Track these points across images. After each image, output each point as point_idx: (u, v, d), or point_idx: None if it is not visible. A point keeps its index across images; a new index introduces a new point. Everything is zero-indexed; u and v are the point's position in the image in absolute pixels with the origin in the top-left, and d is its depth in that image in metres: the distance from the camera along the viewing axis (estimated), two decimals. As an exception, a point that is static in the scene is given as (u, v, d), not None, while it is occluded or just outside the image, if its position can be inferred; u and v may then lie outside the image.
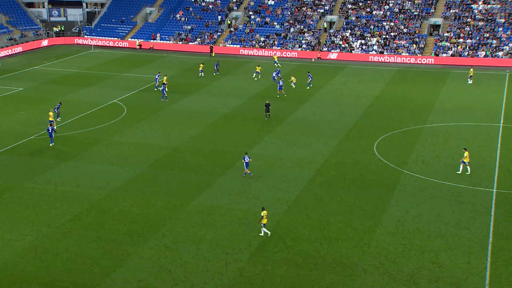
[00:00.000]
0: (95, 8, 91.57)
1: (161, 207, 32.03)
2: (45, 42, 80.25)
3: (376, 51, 74.09)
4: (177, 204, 32.27)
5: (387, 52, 73.71)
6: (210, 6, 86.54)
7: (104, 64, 68.71)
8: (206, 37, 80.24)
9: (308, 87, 58.78)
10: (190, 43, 79.85)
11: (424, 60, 71.39)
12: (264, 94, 56.48)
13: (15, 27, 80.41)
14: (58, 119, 46.44)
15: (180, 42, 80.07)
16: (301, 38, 77.81)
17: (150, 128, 45.51)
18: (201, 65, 64.54)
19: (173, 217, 30.81)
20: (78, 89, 56.69)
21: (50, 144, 41.07)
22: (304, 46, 76.64)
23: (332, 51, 75.23)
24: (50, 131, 41.00)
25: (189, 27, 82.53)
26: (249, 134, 44.46)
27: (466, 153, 36.54)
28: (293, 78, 58.16)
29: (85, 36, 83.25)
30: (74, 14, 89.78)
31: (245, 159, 35.82)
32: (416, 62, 71.52)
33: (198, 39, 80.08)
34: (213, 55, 75.78)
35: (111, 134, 43.80)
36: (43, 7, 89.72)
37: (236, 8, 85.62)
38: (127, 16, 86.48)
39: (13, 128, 44.50)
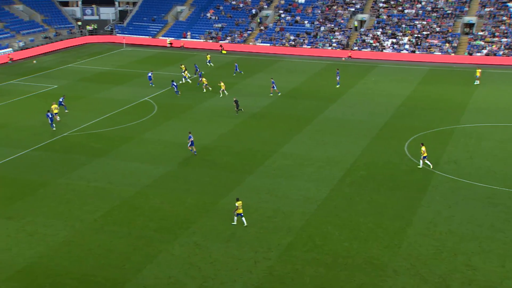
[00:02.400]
0: (127, 6, 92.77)
1: (191, 204, 32.26)
2: (78, 41, 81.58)
3: (407, 50, 73.17)
4: (207, 202, 32.45)
5: (419, 51, 72.73)
6: (241, 4, 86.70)
7: (135, 62, 69.49)
8: (236, 35, 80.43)
9: (337, 86, 58.42)
10: (220, 41, 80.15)
11: (457, 60, 70.21)
12: (294, 93, 56.37)
13: (50, 25, 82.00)
14: (66, 111, 47.93)
15: (211, 41, 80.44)
16: (331, 37, 77.36)
17: (180, 126, 45.85)
18: (208, 56, 67.38)
19: (203, 215, 31.00)
20: (110, 87, 57.49)
21: (53, 129, 43.96)
22: (334, 45, 76.17)
23: (362, 50, 74.59)
24: (50, 117, 43.92)
25: (220, 25, 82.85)
26: (278, 133, 44.42)
27: (423, 148, 37.14)
28: (222, 84, 55.01)
29: (117, 35, 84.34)
30: (107, 13, 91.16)
31: (190, 137, 38.68)
32: (449, 61, 70.39)
33: (228, 38, 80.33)
34: (224, 53, 76.09)
35: (141, 131, 44.28)
36: (77, 6, 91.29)
37: (266, 6, 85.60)
38: (158, 14, 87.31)
39: (47, 125, 45.34)
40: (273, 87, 55.20)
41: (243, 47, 78.37)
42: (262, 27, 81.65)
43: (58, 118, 45.89)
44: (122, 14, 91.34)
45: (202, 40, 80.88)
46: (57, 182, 34.88)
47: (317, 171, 37.03)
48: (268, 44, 78.27)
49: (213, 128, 45.38)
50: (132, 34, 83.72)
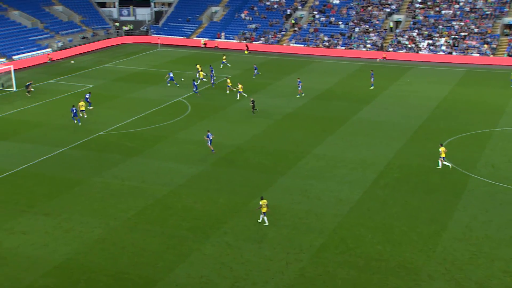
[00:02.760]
0: (162, 7, 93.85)
1: (223, 204, 32.40)
2: (115, 41, 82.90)
3: (444, 52, 71.93)
4: (239, 202, 32.53)
5: (456, 52, 71.41)
6: (275, 5, 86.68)
7: (170, 62, 70.18)
8: (270, 36, 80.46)
9: (372, 87, 57.85)
10: (254, 42, 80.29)
11: (496, 61, 68.66)
12: (327, 94, 56.07)
13: (88, 26, 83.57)
14: (90, 108, 49.02)
15: (244, 41, 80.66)
16: (366, 38, 76.65)
17: (213, 126, 46.07)
18: (224, 57, 67.40)
19: (235, 215, 31.09)
20: (144, 87, 58.20)
21: (78, 123, 45.42)
22: (368, 46, 75.44)
23: (398, 51, 73.65)
24: (74, 112, 45.32)
25: (253, 26, 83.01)
26: (311, 134, 44.23)
27: (442, 149, 36.82)
28: (240, 86, 54.21)
29: (153, 35, 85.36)
30: (143, 14, 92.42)
31: (209, 136, 39.24)
32: (487, 63, 68.89)
33: (262, 38, 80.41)
34: (246, 53, 76.23)
35: (175, 131, 44.69)
36: (114, 6, 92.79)
37: (300, 7, 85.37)
38: (193, 15, 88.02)
39: (83, 124, 46.21)
40: (299, 87, 54.90)
41: (276, 48, 78.33)
42: (296, 28, 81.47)
43: (85, 115, 47.11)
44: (158, 15, 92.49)
45: (236, 41, 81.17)
46: (92, 180, 35.50)
47: (350, 173, 36.73)
48: (302, 45, 78.05)
49: (246, 129, 45.48)
50: (167, 35, 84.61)
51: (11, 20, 75.18)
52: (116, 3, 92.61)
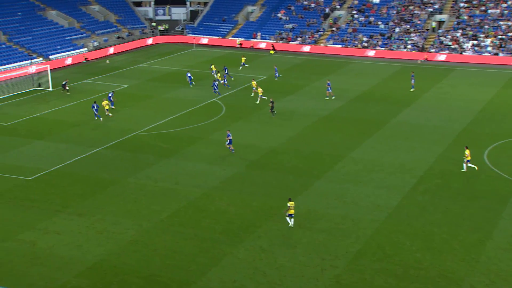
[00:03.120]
0: (198, 6, 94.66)
1: (257, 208, 32.41)
2: (150, 41, 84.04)
3: (490, 53, 70.37)
4: (273, 206, 32.49)
5: (502, 53, 69.77)
6: (313, 4, 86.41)
7: (205, 62, 70.71)
8: (307, 36, 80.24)
9: (412, 89, 57.05)
10: (291, 42, 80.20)
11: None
12: (366, 96, 55.55)
13: (123, 26, 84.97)
14: (112, 107, 50.05)
15: (281, 41, 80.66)
16: (406, 39, 75.65)
17: (248, 128, 46.21)
18: (243, 58, 67.17)
19: (269, 219, 31.06)
20: (179, 87, 58.77)
21: (99, 119, 47.14)
22: (409, 47, 74.43)
23: (440, 52, 72.44)
24: (95, 108, 47.10)
25: (290, 26, 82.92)
26: (348, 137, 43.88)
27: (467, 151, 36.37)
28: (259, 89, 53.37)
29: (188, 35, 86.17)
30: (178, 13, 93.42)
31: (229, 136, 39.73)
32: (535, 64, 67.17)
33: (299, 39, 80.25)
34: (272, 53, 76.19)
35: (209, 132, 44.97)
36: (150, 6, 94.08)
37: (339, 6, 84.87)
38: (229, 15, 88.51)
39: (118, 124, 46.97)
40: (328, 89, 54.41)
41: (314, 49, 78.07)
42: (334, 28, 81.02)
43: (109, 114, 48.22)
44: (193, 14, 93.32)
45: (272, 41, 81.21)
46: (126, 181, 36.02)
47: (388, 178, 36.27)
48: (340, 46, 77.56)
49: (282, 131, 45.43)
50: (202, 34, 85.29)
51: (49, 20, 77.03)
52: (152, 3, 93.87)
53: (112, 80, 61.57)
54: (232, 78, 59.44)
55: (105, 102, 48.71)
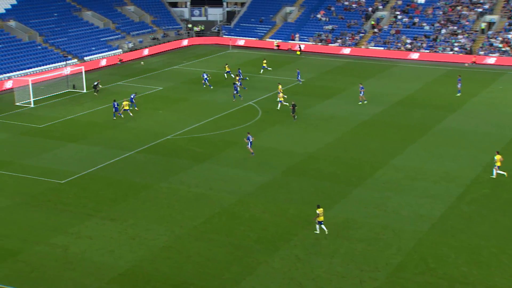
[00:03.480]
0: (235, 7, 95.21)
1: (293, 215, 32.33)
2: (185, 42, 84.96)
3: (542, 55, 68.64)
4: (310, 214, 32.34)
5: (556, 56, 67.97)
6: (354, 5, 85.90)
7: (241, 64, 71.00)
8: (347, 38, 79.78)
9: (458, 94, 56.08)
10: (330, 44, 79.88)
11: None
12: (409, 101, 54.86)
13: (158, 26, 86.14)
14: (136, 109, 51.06)
15: (320, 43, 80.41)
16: (453, 41, 74.41)
17: (285, 133, 46.18)
18: (264, 61, 66.81)
19: (306, 227, 30.94)
20: (214, 90, 59.12)
21: (120, 116, 48.99)
22: (456, 49, 73.18)
23: (489, 55, 70.99)
24: (115, 107, 48.86)
25: (330, 27, 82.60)
26: (390, 143, 43.38)
27: (497, 157, 35.83)
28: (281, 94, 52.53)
29: (224, 36, 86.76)
30: (215, 14, 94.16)
31: (249, 138, 40.30)
32: None
33: (339, 41, 79.85)
34: (298, 54, 76.21)
35: (245, 137, 45.01)
36: (186, 6, 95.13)
37: (381, 7, 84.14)
38: (266, 15, 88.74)
39: (151, 127, 47.58)
40: (361, 93, 53.84)
41: (354, 51, 77.57)
42: (376, 30, 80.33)
43: (130, 114, 49.33)
44: (230, 15, 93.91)
45: (311, 43, 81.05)
46: (159, 185, 36.42)
47: (431, 187, 35.70)
48: (382, 48, 76.86)
49: (320, 136, 45.24)
50: (239, 36, 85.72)
51: (84, 21, 78.66)
52: (188, 3, 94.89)
53: (146, 82, 62.41)
54: (247, 78, 59.34)
55: (125, 102, 49.95)
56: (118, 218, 32.12)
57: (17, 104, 53.91)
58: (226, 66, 64.86)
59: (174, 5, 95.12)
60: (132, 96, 52.24)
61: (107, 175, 38.07)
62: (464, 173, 37.52)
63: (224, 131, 46.64)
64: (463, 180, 36.53)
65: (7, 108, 52.70)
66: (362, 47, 78.23)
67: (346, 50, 77.91)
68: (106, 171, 38.64)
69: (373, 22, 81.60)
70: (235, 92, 54.95)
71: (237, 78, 60.00)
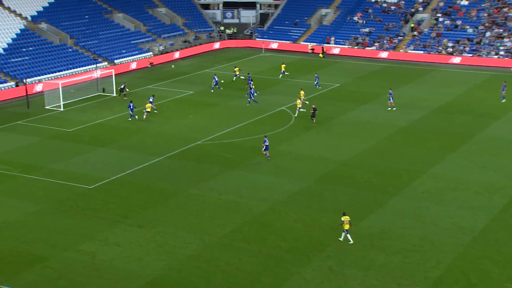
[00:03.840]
0: (268, 9, 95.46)
1: (326, 225, 32.18)
2: (217, 45, 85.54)
3: None
4: (344, 224, 32.17)
5: None
6: (392, 7, 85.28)
7: (274, 68, 71.16)
8: (385, 41, 79.21)
9: (503, 100, 55.09)
10: (367, 48, 79.41)
11: None
12: (449, 107, 54.14)
13: (190, 29, 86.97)
14: (155, 112, 52.01)
15: (356, 47, 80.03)
16: (498, 44, 73.15)
17: (318, 139, 46.04)
18: (283, 65, 66.58)
19: (339, 237, 30.72)
20: (244, 94, 59.27)
21: (134, 118, 50.67)
22: (501, 53, 71.90)
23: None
24: (131, 108, 50.61)
25: (367, 30, 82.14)
26: (429, 151, 42.87)
27: None
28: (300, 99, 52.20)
29: (257, 39, 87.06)
30: (247, 16, 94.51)
31: (266, 142, 41.05)
32: None
33: (376, 44, 79.33)
34: (321, 56, 76.22)
35: (277, 143, 45.12)
36: (218, 8, 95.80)
37: (422, 9, 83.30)
38: (301, 18, 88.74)
39: (181, 132, 48.00)
40: (390, 99, 53.27)
41: (392, 55, 76.95)
42: (415, 33, 79.55)
43: (144, 117, 50.79)
44: (263, 17, 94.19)
45: (346, 46, 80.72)
46: (188, 192, 36.68)
47: (473, 197, 35.11)
48: (422, 52, 76.05)
49: (355, 143, 44.97)
50: (272, 39, 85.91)
51: (115, 23, 79.95)
52: (221, 5, 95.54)
53: (177, 86, 62.98)
54: (257, 92, 58.79)
55: (148, 105, 51.21)
56: (146, 225, 32.46)
57: (47, 107, 55.05)
58: (236, 69, 65.24)
59: (206, 7, 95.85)
60: (150, 100, 53.02)
61: (136, 180, 38.53)
62: (508, 184, 36.80)
63: (255, 136, 46.73)
64: (508, 191, 35.84)
65: (37, 112, 53.87)
66: (401, 50, 77.52)
67: (384, 54, 77.33)
68: (135, 177, 39.12)
69: (412, 25, 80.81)
70: (251, 97, 54.92)
71: (247, 82, 60.05)
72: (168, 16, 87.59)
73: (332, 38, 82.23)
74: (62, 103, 55.09)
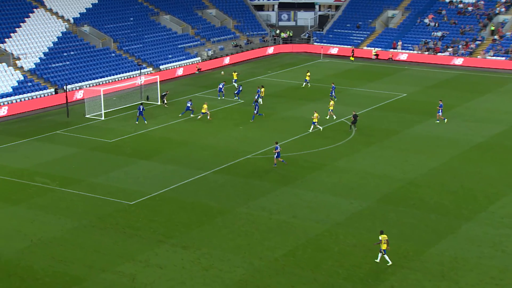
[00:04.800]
0: (328, 11, 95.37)
1: (390, 251, 31.67)
2: (271, 50, 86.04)
3: None
4: (410, 250, 31.66)
5: None
6: (470, 8, 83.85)
7: (333, 76, 70.96)
8: (460, 46, 77.90)
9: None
10: (439, 53, 78.25)
11: None
12: (533, 121, 52.73)
13: (242, 32, 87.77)
14: (192, 116, 54.76)
15: (427, 53, 78.99)
16: None
17: (381, 155, 45.56)
18: (308, 73, 66.29)
19: (404, 265, 30.27)
20: (301, 104, 59.31)
21: (142, 121, 53.49)
22: None
23: None
24: (140, 110, 53.50)
25: (440, 34, 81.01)
26: (509, 171, 41.79)
27: None
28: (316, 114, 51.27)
29: (315, 43, 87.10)
30: (305, 18, 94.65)
31: (277, 148, 42.66)
32: None
33: (449, 49, 78.08)
34: (352, 60, 75.96)
35: (336, 158, 44.87)
36: (273, 10, 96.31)
37: (504, 10, 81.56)
38: (364, 20, 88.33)
39: (230, 145, 48.35)
40: (439, 112, 52.21)
41: (468, 61, 75.63)
42: (495, 37, 77.95)
43: (198, 116, 53.83)
44: (322, 20, 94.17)
45: (415, 52, 79.79)
46: (236, 210, 36.85)
47: (561, 225, 33.98)
48: (503, 58, 74.45)
49: (423, 160, 44.30)
50: (332, 43, 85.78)
51: (161, 26, 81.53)
52: (275, 6, 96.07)
53: (226, 94, 63.42)
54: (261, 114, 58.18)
55: (205, 106, 53.87)
56: (190, 245, 32.75)
57: (87, 116, 56.48)
58: (234, 73, 66.10)
59: (260, 8, 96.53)
60: (188, 104, 54.48)
61: (180, 197, 38.97)
62: None
63: (311, 151, 46.60)
64: None
65: (78, 121, 55.32)
66: (478, 57, 76.08)
67: (458, 61, 76.03)
68: (179, 193, 39.58)
69: (493, 28, 79.20)
70: (256, 109, 54.60)
71: (263, 89, 59.96)
72: (218, 18, 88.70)
73: (399, 43, 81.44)
74: (103, 111, 56.41)
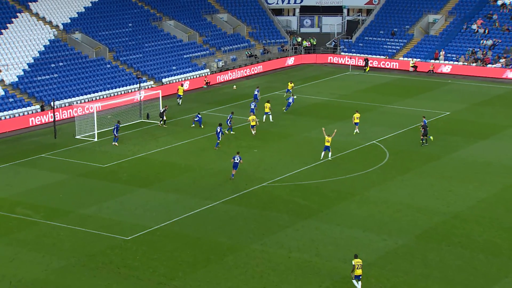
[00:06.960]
0: (358, 15, 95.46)
1: (430, 298, 31.58)
2: (291, 60, 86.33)
3: None
4: (454, 297, 31.44)
5: None
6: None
7: (364, 91, 71.00)
8: (512, 56, 77.90)
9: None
10: (489, 65, 78.13)
11: None
12: None
13: (257, 40, 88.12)
14: (227, 132, 56.06)
15: (474, 64, 78.90)
16: None
17: (420, 184, 45.38)
18: (291, 84, 68.53)
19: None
20: (327, 123, 59.18)
21: (113, 143, 54.24)
22: None
23: None
24: (117, 128, 54.18)
25: (490, 42, 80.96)
26: None
27: None
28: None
29: (342, 53, 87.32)
30: (331, 24, 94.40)
31: (235, 158, 45.53)
32: None
33: (502, 60, 77.96)
34: (367, 70, 77.62)
35: (366, 187, 44.75)
36: (294, 14, 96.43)
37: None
38: (400, 26, 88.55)
39: (243, 171, 48.24)
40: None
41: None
42: (553, 44, 77.80)
43: (253, 132, 55.05)
44: (351, 26, 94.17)
45: (461, 63, 79.74)
46: (249, 247, 36.77)
47: None
48: (562, 69, 74.20)
49: (470, 190, 44.12)
50: (362, 53, 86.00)
51: (165, 32, 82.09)
52: (297, 10, 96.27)
53: (239, 111, 63.54)
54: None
55: (251, 117, 55.87)
56: (195, 288, 32.68)
57: (77, 137, 56.80)
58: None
59: (279, 12, 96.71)
60: (229, 117, 56.74)
61: (184, 231, 38.99)
62: None
63: (337, 178, 46.54)
64: None
65: (66, 142, 55.64)
66: (533, 68, 75.96)
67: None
68: (183, 226, 39.60)
69: (549, 35, 79.13)
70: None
71: (268, 105, 60.25)
72: (230, 24, 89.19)
73: (442, 53, 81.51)
74: (96, 131, 56.71)
